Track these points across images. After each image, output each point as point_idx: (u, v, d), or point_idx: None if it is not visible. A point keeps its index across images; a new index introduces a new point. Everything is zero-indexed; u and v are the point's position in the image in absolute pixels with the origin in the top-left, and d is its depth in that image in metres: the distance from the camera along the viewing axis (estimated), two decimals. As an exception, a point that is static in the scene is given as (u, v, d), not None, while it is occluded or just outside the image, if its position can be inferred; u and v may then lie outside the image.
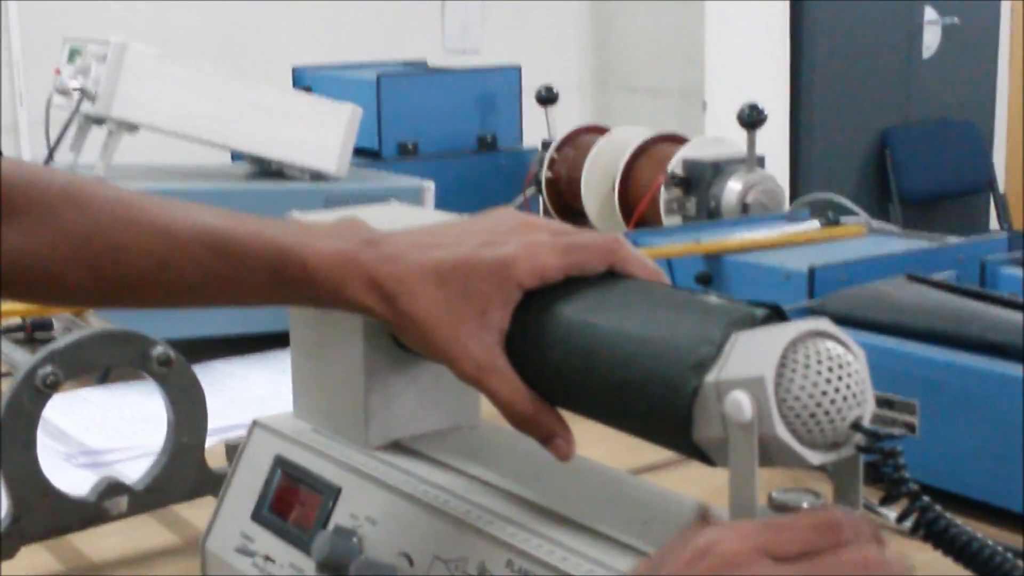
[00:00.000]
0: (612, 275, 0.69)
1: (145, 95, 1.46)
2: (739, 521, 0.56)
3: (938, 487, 0.97)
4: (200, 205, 0.75)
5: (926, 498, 0.56)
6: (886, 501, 0.57)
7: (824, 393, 0.56)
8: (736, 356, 0.58)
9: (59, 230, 0.75)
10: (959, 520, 0.93)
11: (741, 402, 0.56)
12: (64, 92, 1.47)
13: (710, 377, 0.58)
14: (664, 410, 0.60)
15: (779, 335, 0.57)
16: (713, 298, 0.65)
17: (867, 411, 0.58)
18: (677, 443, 0.61)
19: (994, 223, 4.57)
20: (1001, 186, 4.70)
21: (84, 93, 1.44)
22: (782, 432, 0.56)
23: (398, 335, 0.73)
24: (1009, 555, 0.55)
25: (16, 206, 0.75)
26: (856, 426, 0.57)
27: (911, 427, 0.97)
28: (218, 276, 0.73)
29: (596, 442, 0.94)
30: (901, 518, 0.56)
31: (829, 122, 4.24)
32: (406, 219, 0.80)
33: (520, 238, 0.68)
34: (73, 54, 1.51)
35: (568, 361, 0.66)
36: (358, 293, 0.69)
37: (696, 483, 0.59)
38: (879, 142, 4.38)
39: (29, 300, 1.11)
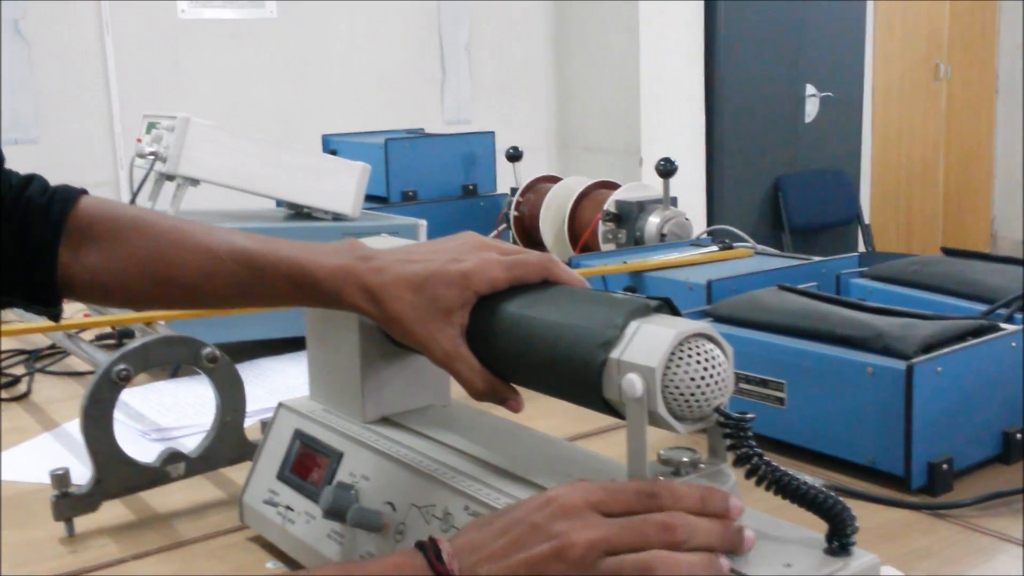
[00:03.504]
0: (547, 283, 0.70)
1: (204, 157, 1.46)
2: (582, 482, 0.57)
3: (801, 445, 0.97)
4: (234, 230, 0.77)
5: (766, 458, 0.56)
6: (738, 462, 0.57)
7: (698, 385, 0.57)
8: (636, 344, 0.59)
9: (129, 252, 0.75)
10: (812, 469, 0.94)
11: (634, 382, 0.57)
12: (142, 156, 1.46)
13: (614, 354, 0.59)
14: (582, 378, 0.61)
15: (671, 333, 0.57)
16: (619, 295, 0.65)
17: (728, 396, 0.58)
18: (593, 403, 0.62)
19: (862, 247, 4.59)
20: (866, 218, 4.71)
21: (157, 156, 1.43)
22: (662, 410, 0.57)
23: (386, 330, 0.73)
24: (832, 493, 0.55)
25: (97, 234, 0.76)
26: (718, 410, 0.57)
27: (780, 400, 0.97)
28: (249, 285, 0.74)
29: (546, 416, 0.95)
30: (749, 474, 0.56)
31: (735, 171, 4.25)
32: (391, 246, 0.80)
33: (477, 256, 0.69)
34: (150, 127, 1.51)
35: (513, 346, 0.66)
36: (354, 297, 0.70)
37: (618, 446, 0.59)
38: (774, 186, 4.39)
39: (106, 305, 1.11)
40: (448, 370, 0.69)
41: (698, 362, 0.57)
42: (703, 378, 0.57)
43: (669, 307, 0.62)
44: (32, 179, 0.77)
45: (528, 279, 0.69)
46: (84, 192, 0.78)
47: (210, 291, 0.75)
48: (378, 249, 0.72)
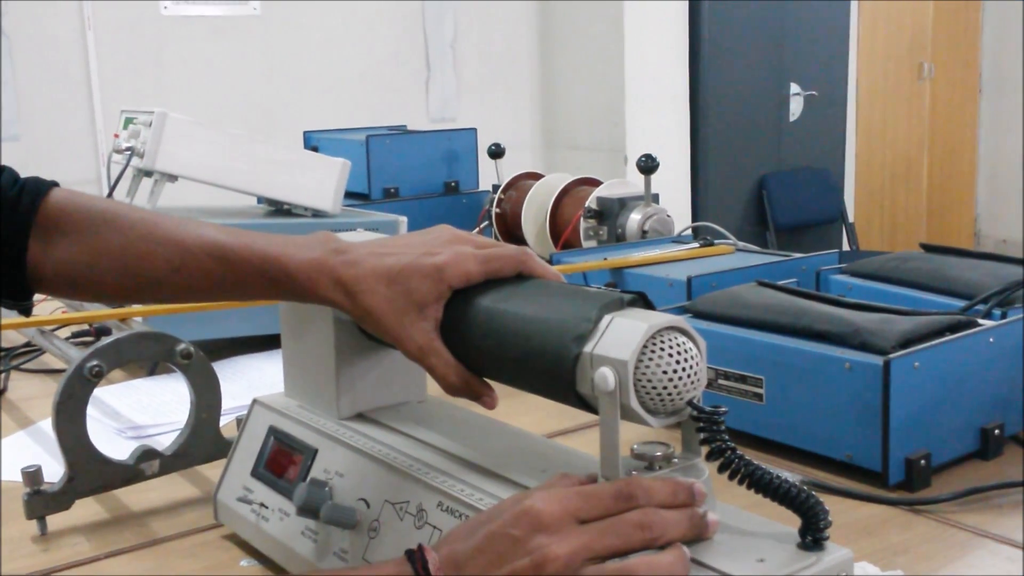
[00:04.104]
0: (521, 277, 0.69)
1: (182, 152, 1.44)
2: (557, 489, 0.57)
3: (780, 441, 0.97)
4: (206, 223, 0.75)
5: (739, 452, 0.56)
6: (711, 456, 0.56)
7: (671, 379, 0.56)
8: (608, 337, 0.58)
9: (98, 245, 0.74)
10: (790, 464, 0.94)
11: (607, 376, 0.56)
12: (119, 151, 1.45)
13: (587, 348, 0.58)
14: (556, 372, 0.60)
15: (643, 326, 0.57)
16: (593, 289, 0.65)
17: (701, 390, 0.57)
18: (566, 397, 0.61)
19: (846, 245, 4.60)
20: (850, 217, 4.73)
21: (133, 152, 1.42)
22: (634, 403, 0.56)
23: (359, 324, 0.73)
24: (805, 488, 0.55)
25: (67, 227, 0.75)
26: (691, 403, 0.57)
27: (759, 396, 0.97)
28: (220, 278, 0.73)
29: (524, 413, 0.95)
30: (722, 468, 0.56)
31: (720, 169, 4.25)
32: (365, 239, 0.79)
33: (451, 249, 0.68)
34: (127, 122, 1.49)
35: (487, 340, 0.65)
36: (327, 291, 0.69)
37: (594, 443, 0.58)
38: (758, 184, 4.40)
39: (76, 299, 1.10)
40: (422, 365, 0.68)
41: (671, 355, 0.56)
42: (675, 371, 0.56)
43: (644, 301, 0.62)
44: (1, 171, 0.76)
45: (503, 273, 0.68)
46: (55, 184, 0.77)
47: (181, 285, 0.74)
48: (352, 243, 0.71)
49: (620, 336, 0.57)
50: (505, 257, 0.68)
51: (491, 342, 0.65)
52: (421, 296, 0.67)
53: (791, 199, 4.41)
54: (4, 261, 0.73)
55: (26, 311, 0.77)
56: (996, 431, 0.94)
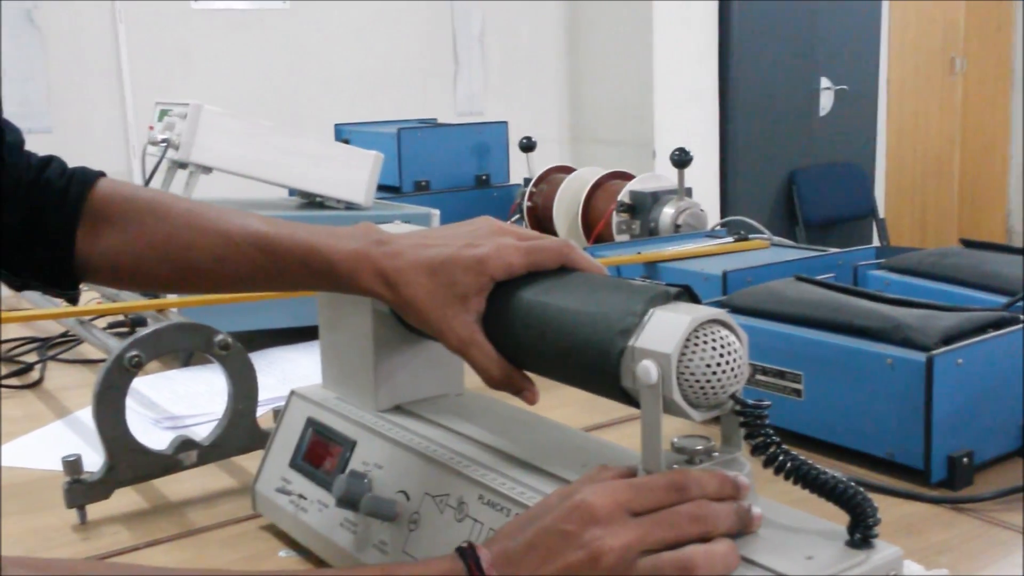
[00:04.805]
0: (564, 269, 0.68)
1: (217, 144, 1.45)
2: (610, 481, 0.56)
3: (819, 438, 0.96)
4: (249, 213, 0.75)
5: (785, 447, 0.55)
6: (756, 451, 0.56)
7: (714, 372, 0.56)
8: (651, 331, 0.58)
9: (144, 235, 0.75)
10: (830, 462, 0.93)
11: (649, 369, 0.56)
12: (154, 143, 1.46)
13: (633, 341, 0.58)
14: (600, 366, 0.59)
15: (686, 319, 0.56)
16: (638, 282, 0.64)
17: (743, 383, 0.57)
18: (610, 391, 0.61)
19: (876, 241, 4.56)
20: (881, 212, 4.69)
21: (168, 143, 1.43)
22: (677, 397, 0.56)
23: (401, 315, 0.72)
24: (853, 483, 0.54)
25: (113, 216, 0.75)
26: (733, 397, 0.56)
27: (798, 392, 0.96)
28: (263, 268, 0.73)
29: (560, 407, 0.94)
30: (767, 463, 0.55)
31: (749, 165, 4.23)
32: (406, 231, 0.79)
33: (493, 241, 0.68)
34: (162, 114, 1.50)
35: (529, 333, 0.65)
36: (369, 282, 0.69)
37: (631, 437, 0.58)
38: (788, 180, 4.37)
39: (121, 288, 1.11)
40: (463, 357, 0.68)
41: (713, 348, 0.56)
42: (719, 364, 0.56)
43: (689, 295, 0.61)
44: (50, 161, 0.77)
45: (546, 265, 0.68)
46: (102, 175, 0.78)
47: (225, 274, 0.74)
48: (394, 234, 0.71)
49: (663, 329, 0.57)
50: (548, 249, 0.68)
51: (533, 335, 0.65)
52: (463, 288, 0.67)
53: (821, 195, 4.37)
54: (53, 250, 0.74)
55: (73, 300, 0.78)
56: (1039, 429, 0.93)
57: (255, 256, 0.72)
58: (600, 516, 0.53)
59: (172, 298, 1.25)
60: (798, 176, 4.35)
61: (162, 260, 0.74)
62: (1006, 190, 5.60)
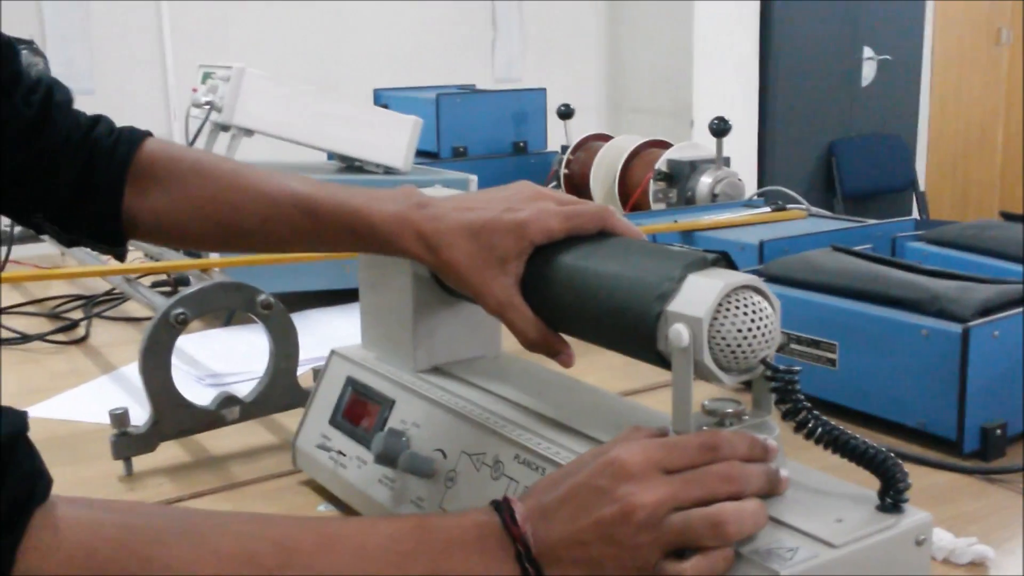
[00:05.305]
0: (603, 234, 0.69)
1: (259, 107, 1.47)
2: (643, 439, 0.57)
3: (852, 407, 0.97)
4: (294, 175, 0.77)
5: (815, 412, 0.56)
6: (787, 416, 0.57)
7: (744, 337, 0.56)
8: (684, 295, 0.58)
9: (189, 194, 0.76)
10: (862, 431, 0.93)
11: (681, 332, 0.57)
12: (198, 105, 1.48)
13: (667, 305, 0.59)
14: (637, 330, 0.60)
15: (719, 284, 0.57)
16: (676, 248, 0.65)
17: (774, 349, 0.58)
18: (646, 355, 0.62)
19: (915, 214, 4.51)
20: (921, 185, 4.63)
21: (212, 106, 1.45)
22: (708, 360, 0.57)
23: (440, 277, 0.73)
24: (884, 449, 0.55)
25: (160, 175, 0.77)
26: (764, 362, 0.57)
27: (832, 362, 0.97)
28: (306, 230, 0.74)
29: (595, 371, 0.95)
30: (798, 427, 0.56)
31: (788, 135, 4.19)
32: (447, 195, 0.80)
33: (533, 205, 0.69)
34: (205, 76, 1.52)
35: (567, 296, 0.66)
36: (410, 244, 0.70)
37: (665, 402, 0.59)
38: (827, 151, 4.33)
39: (167, 245, 1.13)
40: (502, 319, 0.69)
41: (745, 314, 0.56)
42: (750, 330, 0.56)
43: (727, 261, 0.62)
44: (99, 120, 0.78)
45: (585, 229, 0.68)
46: (149, 134, 0.79)
47: (269, 235, 0.75)
48: (434, 198, 0.72)
49: (695, 294, 0.58)
50: (587, 214, 0.69)
51: (572, 298, 0.66)
52: (503, 251, 0.67)
53: (861, 166, 4.33)
54: (102, 207, 0.76)
55: (120, 256, 0.80)
56: (1074, 403, 0.93)
57: (298, 218, 0.74)
58: (633, 472, 0.54)
59: (215, 258, 1.28)
60: (838, 147, 4.31)
61: (207, 220, 0.76)
62: (1051, 164, 5.50)
